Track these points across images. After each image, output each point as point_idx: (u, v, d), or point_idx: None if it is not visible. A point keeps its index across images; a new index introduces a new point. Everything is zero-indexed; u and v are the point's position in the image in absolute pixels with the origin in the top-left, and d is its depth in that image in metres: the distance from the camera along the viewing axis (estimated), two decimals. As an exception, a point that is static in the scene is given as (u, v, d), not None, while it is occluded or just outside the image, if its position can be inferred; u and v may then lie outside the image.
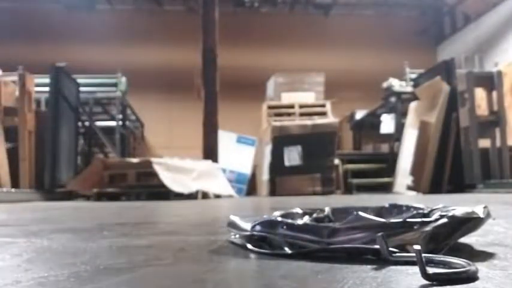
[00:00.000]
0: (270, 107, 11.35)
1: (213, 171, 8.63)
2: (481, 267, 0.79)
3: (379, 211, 1.21)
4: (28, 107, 7.84)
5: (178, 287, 0.76)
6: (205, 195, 7.75)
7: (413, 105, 9.37)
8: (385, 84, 11.10)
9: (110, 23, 14.29)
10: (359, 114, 12.88)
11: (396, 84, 10.81)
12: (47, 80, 8.49)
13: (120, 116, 10.53)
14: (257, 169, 11.31)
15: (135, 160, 7.95)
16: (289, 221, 1.08)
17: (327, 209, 1.31)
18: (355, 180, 10.74)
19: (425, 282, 0.70)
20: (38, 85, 8.42)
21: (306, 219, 1.25)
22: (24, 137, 7.65)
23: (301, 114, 11.09)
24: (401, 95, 10.64)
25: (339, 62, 14.36)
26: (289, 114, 11.13)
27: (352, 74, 14.19)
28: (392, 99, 10.86)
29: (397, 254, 0.85)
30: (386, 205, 1.25)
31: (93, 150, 10.92)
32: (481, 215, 0.96)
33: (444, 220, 0.92)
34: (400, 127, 10.16)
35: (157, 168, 7.12)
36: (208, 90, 9.74)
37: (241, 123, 12.62)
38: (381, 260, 0.85)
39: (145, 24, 14.37)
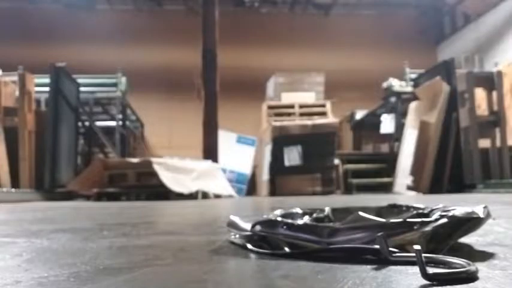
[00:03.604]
0: (270, 107, 11.35)
1: (213, 171, 8.63)
2: (481, 267, 0.78)
3: (379, 211, 1.21)
4: (28, 107, 7.84)
5: (178, 287, 0.76)
6: (205, 195, 7.75)
7: (413, 105, 9.36)
8: (385, 84, 11.09)
9: (110, 23, 14.29)
10: (359, 114, 12.87)
11: (396, 84, 10.80)
12: (47, 80, 8.49)
13: (120, 116, 10.53)
14: (257, 169, 11.31)
15: (135, 160, 7.94)
16: (289, 221, 1.08)
17: (327, 209, 1.31)
18: (355, 180, 10.73)
19: (425, 282, 0.70)
20: (38, 85, 8.43)
21: (306, 219, 1.25)
22: (24, 137, 7.65)
23: (301, 114, 11.09)
24: (401, 95, 10.63)
25: (339, 62, 14.36)
26: (289, 114, 11.14)
27: (352, 74, 14.19)
28: (392, 99, 10.85)
29: (397, 254, 0.85)
30: (386, 205, 1.25)
31: (93, 150, 10.92)
32: (481, 215, 0.96)
33: (444, 220, 0.92)
34: (400, 127, 10.15)
35: (157, 168, 7.12)
36: (208, 90, 9.74)
37: (241, 123, 12.62)
38: (381, 260, 0.85)
39: (145, 24, 14.37)
